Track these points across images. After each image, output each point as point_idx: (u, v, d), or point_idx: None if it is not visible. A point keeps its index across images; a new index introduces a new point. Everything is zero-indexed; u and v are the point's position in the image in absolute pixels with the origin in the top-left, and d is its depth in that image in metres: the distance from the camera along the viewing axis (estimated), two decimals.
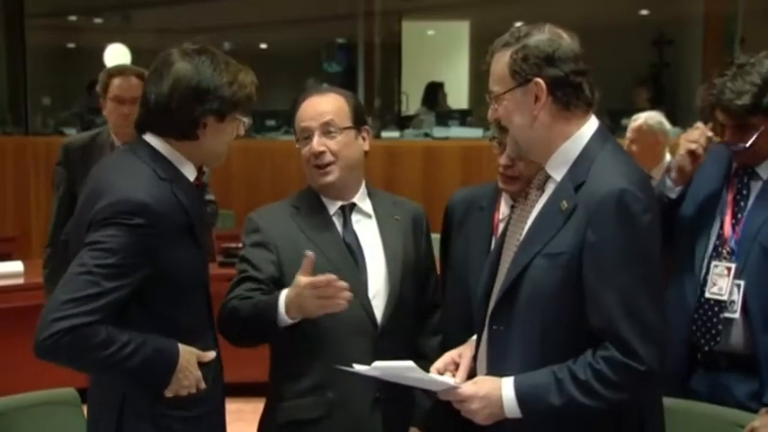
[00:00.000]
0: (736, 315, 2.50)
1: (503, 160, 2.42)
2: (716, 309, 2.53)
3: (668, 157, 4.47)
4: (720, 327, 2.52)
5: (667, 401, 2.20)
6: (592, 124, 2.01)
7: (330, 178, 2.40)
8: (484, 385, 1.96)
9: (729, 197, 2.61)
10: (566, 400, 1.86)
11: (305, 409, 2.35)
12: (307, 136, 2.40)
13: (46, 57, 10.90)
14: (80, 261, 1.97)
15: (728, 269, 2.53)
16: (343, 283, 2.15)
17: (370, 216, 2.49)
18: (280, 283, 2.33)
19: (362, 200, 2.49)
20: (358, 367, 2.09)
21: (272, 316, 2.22)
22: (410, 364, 2.00)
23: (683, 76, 10.26)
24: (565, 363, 1.89)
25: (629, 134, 4.51)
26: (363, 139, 2.47)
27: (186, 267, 2.10)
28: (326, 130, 2.39)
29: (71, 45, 12.17)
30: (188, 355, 2.10)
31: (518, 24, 2.02)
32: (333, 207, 2.45)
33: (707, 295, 2.55)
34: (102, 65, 11.00)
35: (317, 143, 2.38)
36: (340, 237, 2.42)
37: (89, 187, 2.12)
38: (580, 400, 1.86)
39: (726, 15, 8.94)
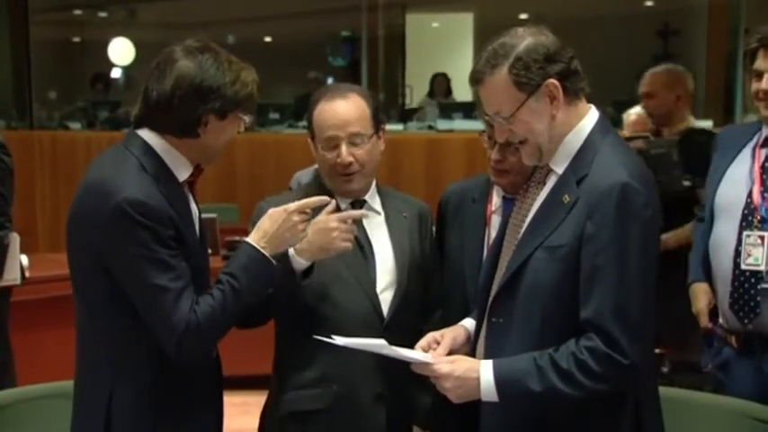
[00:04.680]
0: None
1: (494, 155, 2.45)
2: (752, 280, 2.51)
3: None
4: (759, 298, 2.51)
5: (666, 391, 2.21)
6: (592, 116, 2.01)
7: (354, 186, 2.41)
8: (461, 365, 1.98)
9: (756, 167, 2.61)
10: (545, 388, 1.87)
11: (308, 401, 2.36)
12: (334, 145, 2.38)
13: (50, 51, 10.92)
14: (142, 286, 2.00)
15: (761, 238, 2.50)
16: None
17: (379, 213, 2.49)
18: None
19: (373, 197, 2.50)
20: (338, 339, 2.11)
21: (284, 263, 2.22)
22: (381, 341, 2.06)
23: (688, 66, 10.20)
24: (545, 350, 1.90)
25: (628, 130, 4.50)
26: (379, 138, 2.45)
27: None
28: (353, 140, 2.37)
29: (76, 39, 12.19)
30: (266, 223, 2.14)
31: (499, 41, 1.97)
32: (343, 203, 2.45)
33: (742, 267, 2.53)
34: (106, 59, 11.03)
35: (347, 154, 2.36)
36: None
37: (85, 181, 2.11)
38: (560, 389, 1.86)
39: (730, 6, 8.91)
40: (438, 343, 2.15)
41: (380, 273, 2.42)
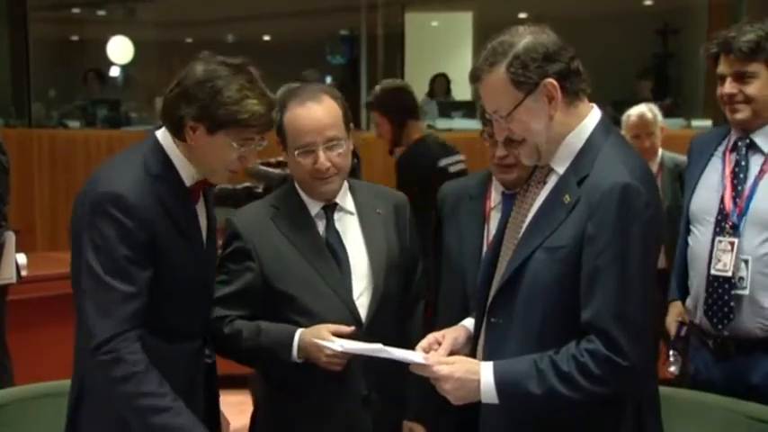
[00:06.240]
0: (746, 291, 2.51)
1: (499, 152, 2.43)
2: (725, 286, 2.53)
3: (661, 150, 4.44)
4: (732, 304, 2.52)
5: (666, 391, 2.21)
6: (594, 115, 2.00)
7: (333, 186, 2.37)
8: (460, 367, 1.97)
9: (727, 172, 2.62)
10: (545, 390, 1.87)
11: (295, 408, 2.35)
12: (310, 150, 2.32)
13: (49, 49, 10.89)
14: (91, 273, 2.01)
15: (731, 244, 2.52)
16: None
17: (352, 213, 2.45)
18: (261, 288, 2.33)
19: (344, 197, 2.44)
20: (337, 343, 2.16)
21: (284, 354, 2.27)
22: (379, 345, 2.08)
23: (688, 65, 10.22)
24: (546, 353, 1.89)
25: (627, 132, 4.43)
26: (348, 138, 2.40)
27: (171, 266, 2.10)
28: (330, 145, 2.32)
29: (74, 37, 12.17)
30: None
31: (499, 39, 1.96)
32: (315, 208, 2.41)
33: (712, 272, 2.55)
34: (105, 57, 11.02)
35: (324, 159, 2.31)
36: (322, 239, 2.38)
37: (90, 176, 2.15)
38: (560, 391, 1.86)
39: (730, 5, 8.91)
40: (439, 343, 2.14)
41: (356, 278, 2.38)
